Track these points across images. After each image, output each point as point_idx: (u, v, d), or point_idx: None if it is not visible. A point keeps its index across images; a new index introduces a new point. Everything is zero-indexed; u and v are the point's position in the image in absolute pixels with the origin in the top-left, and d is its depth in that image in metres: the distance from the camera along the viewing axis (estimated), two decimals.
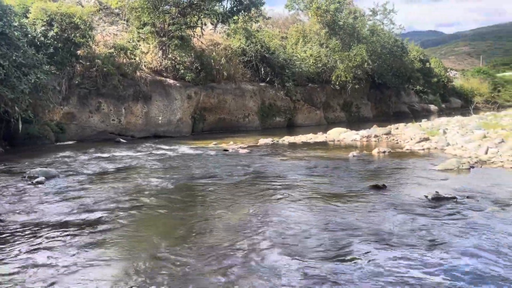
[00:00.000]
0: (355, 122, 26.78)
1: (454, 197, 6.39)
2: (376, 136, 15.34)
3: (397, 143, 14.24)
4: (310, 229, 5.18)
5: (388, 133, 15.75)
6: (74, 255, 4.28)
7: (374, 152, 11.78)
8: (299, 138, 15.97)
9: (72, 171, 9.12)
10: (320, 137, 16.38)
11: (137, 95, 17.68)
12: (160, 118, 18.58)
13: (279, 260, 4.22)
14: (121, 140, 16.26)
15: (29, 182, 7.69)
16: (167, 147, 13.98)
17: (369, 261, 4.16)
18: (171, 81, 19.10)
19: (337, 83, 25.99)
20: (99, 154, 11.96)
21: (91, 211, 5.89)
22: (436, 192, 6.48)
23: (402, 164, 9.91)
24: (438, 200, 6.28)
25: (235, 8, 20.58)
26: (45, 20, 14.85)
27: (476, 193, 6.80)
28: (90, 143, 15.05)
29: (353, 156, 11.27)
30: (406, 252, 4.38)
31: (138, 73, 17.64)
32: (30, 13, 14.91)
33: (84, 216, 5.65)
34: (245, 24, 22.56)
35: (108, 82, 16.50)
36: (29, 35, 14.16)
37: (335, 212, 5.91)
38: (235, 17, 21.02)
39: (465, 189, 7.15)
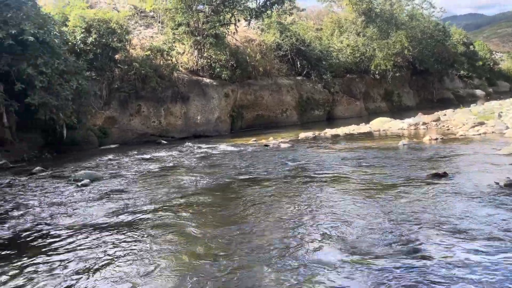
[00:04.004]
0: (397, 111, 25.76)
1: None
2: (424, 123, 14.55)
3: (448, 129, 13.41)
4: (370, 223, 4.76)
5: (437, 120, 14.91)
6: (122, 256, 4.08)
7: (425, 139, 11.09)
8: (342, 130, 15.43)
9: (116, 173, 9.08)
10: (363, 128, 15.75)
11: (175, 96, 17.69)
12: (198, 117, 18.52)
13: (341, 258, 3.83)
14: (162, 141, 16.30)
15: (75, 185, 7.68)
16: (207, 146, 13.84)
17: (446, 256, 3.69)
18: (208, 80, 18.99)
19: (376, 72, 25.13)
20: (141, 156, 11.95)
21: (137, 212, 5.72)
22: (507, 178, 5.86)
23: (460, 151, 9.21)
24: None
25: (268, 3, 20.15)
26: (83, 27, 15.07)
27: None
28: (132, 146, 15.17)
29: (403, 145, 10.65)
30: (489, 245, 3.86)
31: (175, 74, 17.64)
32: (69, 21, 15.18)
33: (129, 217, 5.48)
34: (279, 18, 22.15)
35: (146, 85, 16.59)
36: (69, 43, 14.42)
37: (394, 203, 5.45)
38: (269, 12, 20.62)
39: None
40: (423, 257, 3.73)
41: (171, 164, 10.07)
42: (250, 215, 5.41)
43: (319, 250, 4.08)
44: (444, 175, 6.61)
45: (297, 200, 5.95)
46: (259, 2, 20.25)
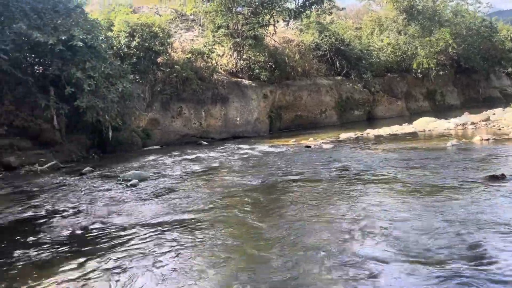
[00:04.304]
0: (440, 111, 24.88)
1: None
2: (473, 123, 13.96)
3: (500, 129, 12.79)
4: (426, 224, 4.59)
5: (486, 120, 14.27)
6: (176, 255, 4.13)
7: (476, 140, 10.63)
8: (384, 130, 15.05)
9: (161, 173, 9.26)
10: (407, 128, 15.31)
11: (215, 98, 17.89)
12: (238, 119, 18.63)
13: (397, 265, 3.70)
14: (203, 142, 16.52)
15: (124, 185, 7.89)
16: (247, 147, 13.89)
17: None
18: (247, 82, 19.08)
19: (418, 71, 24.41)
20: (184, 157, 12.15)
21: (185, 211, 5.78)
22: None
23: None
24: None
25: (307, 3, 20.02)
26: (127, 31, 15.52)
27: None
28: (174, 147, 15.46)
29: (452, 145, 10.25)
30: None
31: (215, 76, 17.83)
32: (114, 26, 15.67)
33: (178, 216, 5.55)
34: (318, 17, 21.95)
35: (187, 87, 16.86)
36: (114, 47, 14.89)
37: (450, 205, 5.23)
38: (308, 12, 20.48)
39: None
40: (489, 263, 3.55)
41: (215, 165, 10.16)
42: (301, 214, 5.34)
43: (374, 251, 3.97)
44: (502, 177, 6.29)
45: (347, 200, 5.83)
46: (298, 3, 20.17)
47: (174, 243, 4.48)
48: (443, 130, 14.08)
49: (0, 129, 11.97)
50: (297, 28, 22.82)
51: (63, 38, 11.77)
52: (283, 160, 10.32)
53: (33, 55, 12.74)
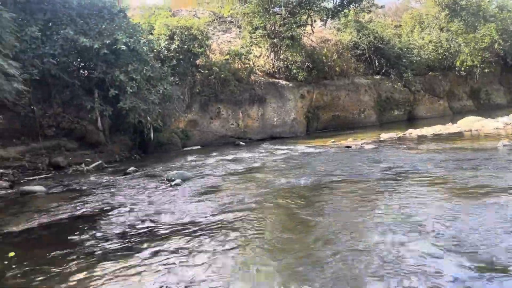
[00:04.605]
0: (485, 110, 23.87)
1: None
2: None
3: None
4: (488, 231, 4.36)
5: None
6: (224, 254, 4.13)
7: None
8: (427, 131, 14.58)
9: (203, 173, 9.35)
10: (451, 128, 14.76)
11: (252, 99, 17.96)
12: (275, 119, 18.62)
13: (464, 274, 3.52)
14: (241, 143, 16.60)
15: (168, 185, 8.01)
16: (286, 147, 13.82)
17: None
18: (284, 82, 19.04)
19: (462, 69, 23.54)
20: (224, 157, 12.22)
21: (231, 211, 5.78)
22: None
23: None
24: None
25: (345, 1, 19.73)
26: (167, 34, 15.82)
27: None
28: (213, 147, 15.62)
29: (503, 145, 9.77)
30: None
31: (252, 77, 17.90)
32: (155, 29, 16.02)
33: (225, 215, 5.55)
34: (356, 16, 21.60)
35: (225, 88, 17.02)
36: (155, 50, 15.21)
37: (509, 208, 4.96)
38: (346, 11, 20.19)
39: None
40: None
41: (255, 165, 10.16)
42: (351, 214, 5.22)
43: (433, 258, 3.81)
44: None
45: (396, 202, 5.65)
46: (336, 2, 19.91)
47: (224, 241, 4.48)
48: (492, 129, 13.47)
49: (49, 130, 12.48)
50: (334, 27, 22.54)
51: (107, 42, 12.14)
52: (325, 160, 10.18)
53: (79, 59, 13.20)
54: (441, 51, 23.57)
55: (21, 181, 9.41)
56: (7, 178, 9.16)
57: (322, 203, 5.92)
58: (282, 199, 6.24)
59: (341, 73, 20.81)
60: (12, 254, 4.41)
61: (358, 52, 21.59)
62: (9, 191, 8.18)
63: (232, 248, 4.27)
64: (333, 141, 14.84)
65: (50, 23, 11.90)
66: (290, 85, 19.08)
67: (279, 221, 5.18)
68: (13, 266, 4.10)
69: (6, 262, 4.20)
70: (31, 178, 9.78)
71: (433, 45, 23.50)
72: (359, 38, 21.43)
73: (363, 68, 21.87)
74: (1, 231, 5.28)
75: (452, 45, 23.45)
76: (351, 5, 19.93)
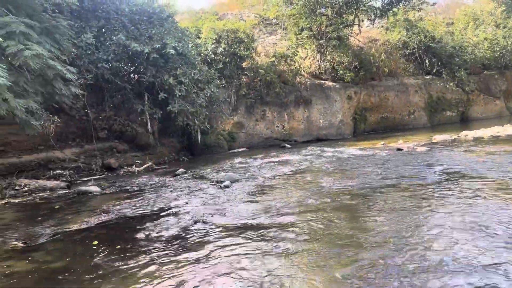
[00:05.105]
0: None
1: None
2: None
3: None
4: None
5: None
6: (277, 258, 4.04)
7: None
8: (483, 132, 13.80)
9: (251, 175, 9.32)
10: (510, 129, 13.88)
11: (298, 101, 17.81)
12: (321, 121, 18.36)
13: None
14: (286, 145, 16.48)
15: (218, 186, 8.03)
16: (333, 150, 13.55)
17: None
18: (330, 83, 18.74)
19: None
20: (270, 159, 12.15)
21: (282, 213, 5.68)
22: None
23: None
24: None
25: (394, 0, 19.15)
26: (214, 38, 16.01)
27: None
28: (258, 149, 15.61)
29: None
30: None
31: (297, 79, 17.75)
32: (202, 33, 16.26)
33: (276, 218, 5.46)
34: (406, 14, 20.91)
35: (271, 90, 16.98)
36: (202, 53, 15.43)
37: None
38: (395, 9, 19.58)
39: None
40: None
41: (303, 167, 10.01)
42: (410, 218, 4.97)
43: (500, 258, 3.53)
44: None
45: (458, 206, 5.33)
46: (385, 0, 19.36)
47: (276, 244, 4.39)
48: None
49: (102, 133, 12.96)
50: (382, 26, 21.93)
51: (157, 46, 12.45)
52: (375, 163, 9.85)
53: (130, 64, 13.64)
54: (497, 48, 22.33)
55: (77, 181, 9.79)
56: (64, 179, 9.57)
57: (376, 207, 5.69)
58: (331, 203, 6.07)
59: (390, 74, 20.21)
60: (95, 242, 4.81)
61: (408, 51, 20.89)
62: (67, 191, 8.53)
63: (294, 253, 4.18)
64: (383, 143, 14.39)
65: (104, 30, 12.35)
66: (337, 86, 18.75)
67: (333, 225, 5.02)
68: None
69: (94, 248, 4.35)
70: (85, 178, 10.17)
71: (488, 43, 22.31)
72: (409, 37, 20.72)
73: (413, 68, 21.13)
74: (66, 228, 5.48)
75: (509, 43, 22.15)
76: (400, 3, 19.30)
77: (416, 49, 20.72)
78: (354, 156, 11.56)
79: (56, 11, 10.57)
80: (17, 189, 8.07)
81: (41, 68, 6.99)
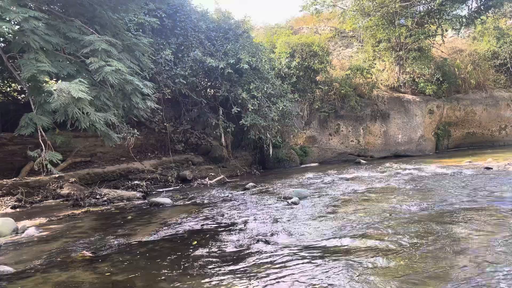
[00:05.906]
0: None
1: None
2: None
3: None
4: None
5: None
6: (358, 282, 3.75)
7: None
8: None
9: (321, 192, 9.02)
10: None
11: (374, 115, 17.12)
12: (399, 136, 17.45)
13: None
14: (361, 160, 15.85)
15: (285, 203, 7.87)
16: (412, 167, 12.74)
17: None
18: (410, 97, 17.78)
19: None
20: (343, 175, 11.72)
21: (350, 236, 5.35)
22: None
23: None
24: None
25: (482, 7, 17.70)
26: (288, 52, 16.02)
27: None
28: (331, 165, 15.18)
29: None
30: None
31: (374, 92, 17.10)
32: (276, 47, 16.36)
33: (343, 240, 5.15)
34: (496, 22, 19.27)
35: (345, 104, 16.53)
36: (276, 68, 15.49)
37: None
38: (483, 17, 18.11)
39: None
40: None
41: (377, 186, 9.48)
42: (496, 254, 4.41)
43: None
44: None
45: None
46: (471, 8, 18.00)
47: (341, 271, 4.11)
48: None
49: (178, 145, 13.47)
50: (469, 36, 20.43)
51: (232, 61, 12.72)
52: (459, 183, 9.04)
53: (206, 79, 14.09)
54: None
55: (153, 192, 10.21)
56: (141, 189, 10.03)
57: (455, 237, 5.14)
58: (405, 228, 5.59)
59: (477, 86, 18.69)
60: (195, 242, 5.22)
61: (498, 62, 19.20)
62: (142, 201, 8.91)
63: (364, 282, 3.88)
64: (469, 161, 13.27)
65: (182, 47, 12.91)
66: (417, 99, 17.74)
67: (406, 257, 4.60)
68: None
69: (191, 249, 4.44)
70: (161, 190, 10.57)
71: None
72: (499, 47, 19.05)
73: (504, 79, 19.35)
74: (134, 240, 5.67)
75: None
76: (489, 11, 17.81)
77: (508, 59, 18.96)
78: (436, 174, 10.75)
79: (140, 30, 11.28)
80: (97, 198, 8.59)
81: (119, 83, 7.41)
